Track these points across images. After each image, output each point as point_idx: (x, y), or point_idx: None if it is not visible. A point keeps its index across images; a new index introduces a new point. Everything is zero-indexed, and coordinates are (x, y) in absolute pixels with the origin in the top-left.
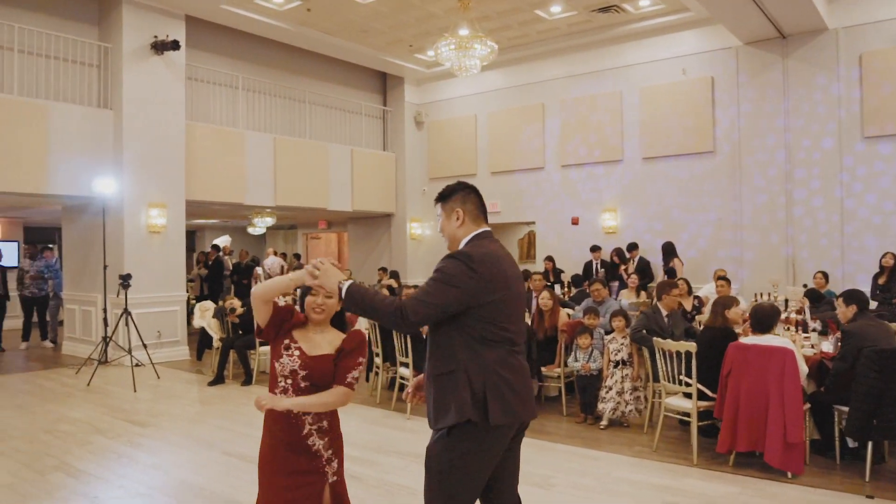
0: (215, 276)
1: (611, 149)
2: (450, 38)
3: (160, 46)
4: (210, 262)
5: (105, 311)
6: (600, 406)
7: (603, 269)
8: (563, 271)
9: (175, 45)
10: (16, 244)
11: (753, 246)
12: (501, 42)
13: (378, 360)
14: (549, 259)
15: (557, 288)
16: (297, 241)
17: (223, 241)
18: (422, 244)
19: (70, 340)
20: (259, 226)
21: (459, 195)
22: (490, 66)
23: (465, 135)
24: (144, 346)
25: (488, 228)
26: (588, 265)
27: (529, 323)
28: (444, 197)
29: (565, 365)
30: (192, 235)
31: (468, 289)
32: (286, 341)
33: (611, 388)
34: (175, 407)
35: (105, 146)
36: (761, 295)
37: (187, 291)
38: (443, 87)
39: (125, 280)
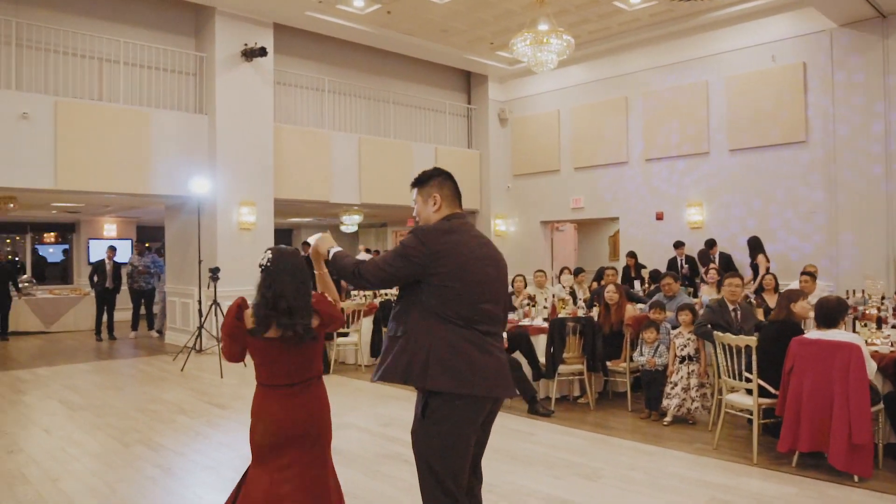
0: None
1: (696, 141)
2: (525, 33)
3: (249, 54)
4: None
5: (199, 302)
6: (665, 402)
7: (687, 266)
8: (644, 267)
9: (262, 52)
10: (129, 242)
11: (849, 241)
12: (582, 36)
13: None
14: (631, 255)
15: (637, 284)
16: (387, 238)
17: (314, 239)
18: (506, 240)
19: (172, 330)
20: (347, 223)
21: (436, 180)
22: (572, 60)
23: (548, 130)
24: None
25: (460, 212)
26: (672, 261)
27: (596, 318)
28: (420, 182)
29: (631, 360)
30: (289, 233)
31: (417, 260)
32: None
33: (676, 384)
34: None
35: (200, 149)
36: (853, 292)
37: None
38: (526, 83)
39: (214, 273)
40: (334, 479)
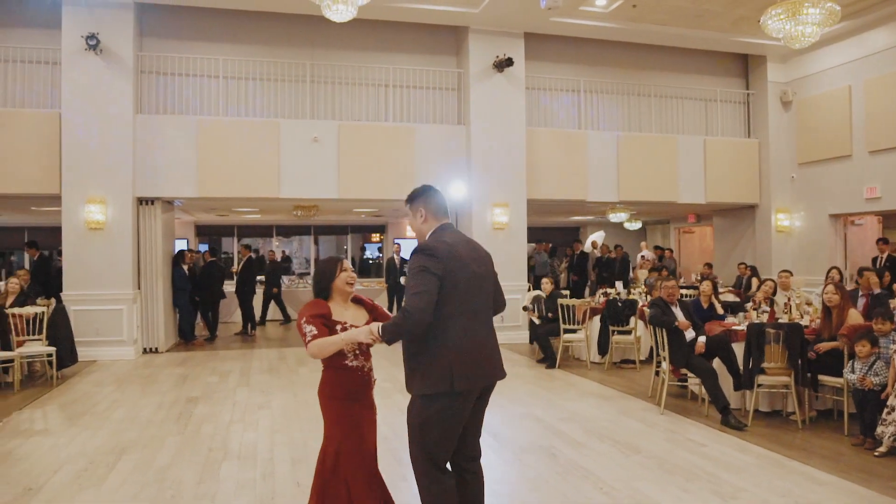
0: (579, 268)
1: None
2: (777, 7)
3: (499, 65)
4: (576, 254)
5: None
6: (879, 429)
7: None
8: None
9: (510, 62)
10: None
11: None
12: None
13: (665, 365)
14: None
15: None
16: (670, 235)
17: (598, 236)
18: (790, 237)
19: None
20: (613, 221)
21: (422, 196)
22: (868, 25)
23: (837, 110)
24: None
25: (447, 222)
26: None
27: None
28: (410, 199)
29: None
30: (575, 231)
31: (439, 271)
32: (337, 326)
33: (894, 409)
34: None
35: (458, 156)
36: None
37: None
38: (812, 59)
39: None
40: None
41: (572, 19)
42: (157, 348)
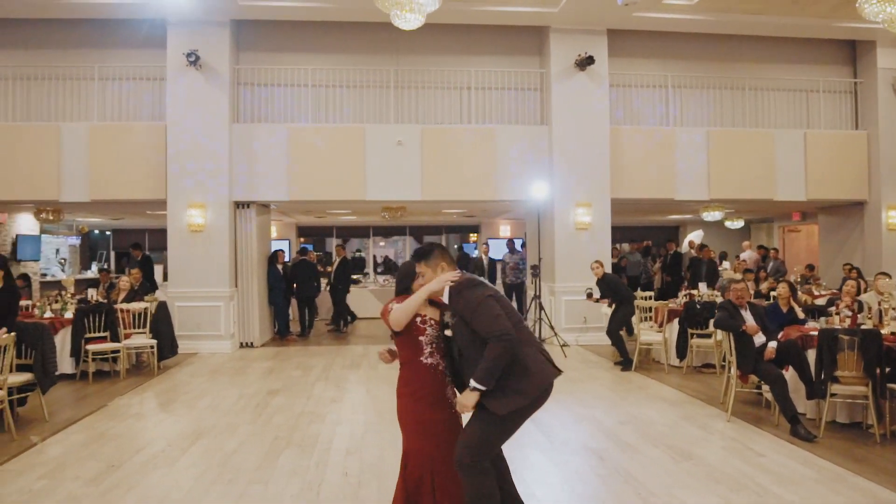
0: (673, 269)
1: None
2: None
3: (581, 63)
4: (670, 254)
5: (538, 297)
6: None
7: None
8: None
9: (591, 60)
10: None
11: None
12: None
13: (733, 370)
14: None
15: None
16: (773, 234)
17: (695, 236)
18: None
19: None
20: (707, 219)
21: (437, 252)
22: None
23: None
24: (552, 329)
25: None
26: None
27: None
28: (424, 255)
29: None
30: (675, 230)
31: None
32: (417, 318)
33: None
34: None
35: (540, 156)
36: None
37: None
38: None
39: (535, 270)
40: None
41: (656, 13)
42: (252, 343)
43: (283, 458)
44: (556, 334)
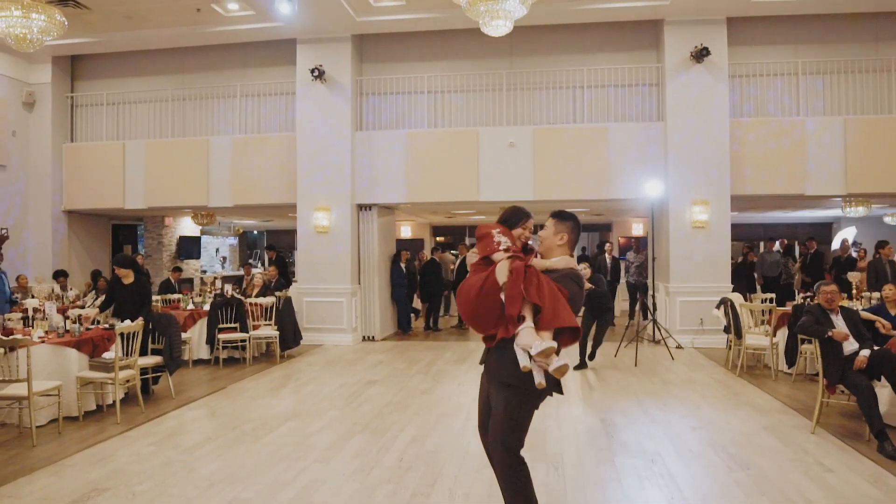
0: (813, 268)
1: None
2: None
3: (697, 55)
4: (810, 253)
5: (653, 297)
6: None
7: None
8: None
9: (706, 52)
10: (645, 239)
11: None
12: None
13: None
14: None
15: None
16: None
17: (847, 233)
18: None
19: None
20: (850, 215)
21: (572, 223)
22: None
23: None
24: (660, 330)
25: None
26: None
27: None
28: (562, 216)
29: None
30: (828, 227)
31: None
32: None
33: None
34: (644, 384)
35: (655, 153)
36: None
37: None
38: None
39: (636, 269)
40: None
41: None
42: (373, 336)
43: (352, 441)
44: (664, 336)
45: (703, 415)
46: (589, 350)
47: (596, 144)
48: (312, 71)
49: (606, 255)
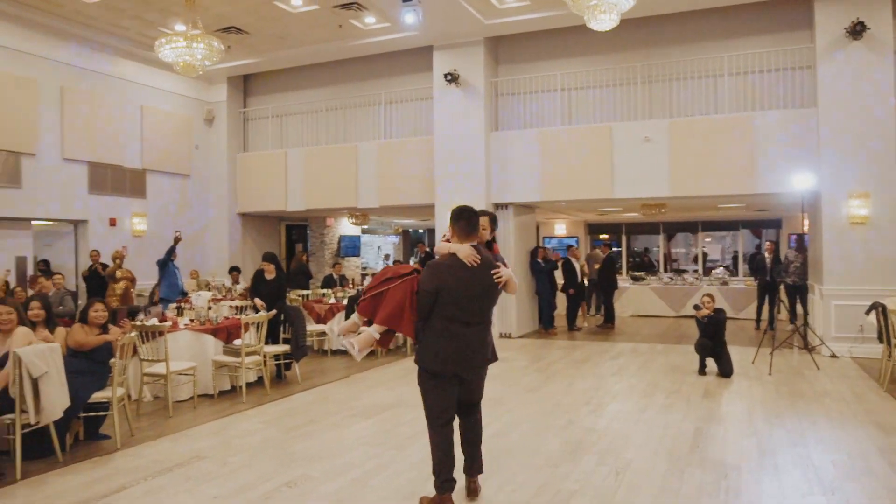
0: None
1: None
2: None
3: (853, 31)
4: None
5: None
6: None
7: None
8: None
9: (862, 27)
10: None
11: None
12: None
13: None
14: None
15: None
16: None
17: None
18: None
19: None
20: None
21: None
22: None
23: None
24: (813, 337)
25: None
26: None
27: None
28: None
29: None
30: None
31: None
32: None
33: None
34: (768, 394)
35: (804, 142)
36: None
37: None
38: None
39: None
40: None
41: None
42: (510, 334)
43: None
44: (815, 344)
45: (816, 430)
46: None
47: (737, 135)
48: (446, 76)
49: (766, 254)
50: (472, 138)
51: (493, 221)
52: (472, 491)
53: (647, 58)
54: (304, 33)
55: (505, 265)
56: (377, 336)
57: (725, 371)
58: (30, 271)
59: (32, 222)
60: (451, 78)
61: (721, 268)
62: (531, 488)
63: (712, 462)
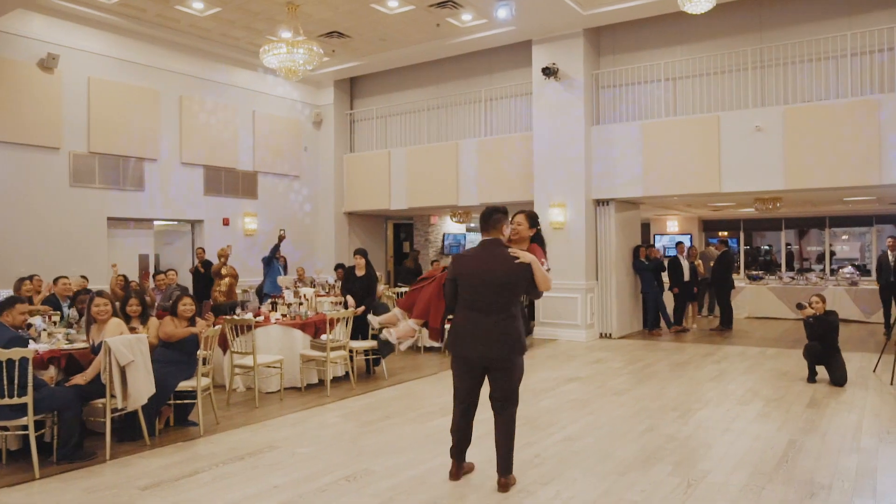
0: None
1: None
2: None
3: None
4: None
5: None
6: None
7: None
8: None
9: None
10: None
11: None
12: None
13: None
14: None
15: None
16: None
17: None
18: None
19: None
20: None
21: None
22: None
23: None
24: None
25: (485, 238)
26: None
27: None
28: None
29: None
30: None
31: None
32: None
33: None
34: (885, 406)
35: None
36: None
37: None
38: None
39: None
40: None
41: None
42: (610, 334)
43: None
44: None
45: (882, 445)
46: None
47: (862, 121)
48: (544, 70)
49: (888, 251)
50: (571, 133)
51: (531, 218)
52: (501, 485)
53: (761, 41)
54: (404, 34)
55: (541, 261)
56: (416, 327)
57: (837, 379)
58: (151, 269)
59: (154, 222)
60: (550, 72)
61: (850, 266)
62: (589, 496)
63: (799, 480)
